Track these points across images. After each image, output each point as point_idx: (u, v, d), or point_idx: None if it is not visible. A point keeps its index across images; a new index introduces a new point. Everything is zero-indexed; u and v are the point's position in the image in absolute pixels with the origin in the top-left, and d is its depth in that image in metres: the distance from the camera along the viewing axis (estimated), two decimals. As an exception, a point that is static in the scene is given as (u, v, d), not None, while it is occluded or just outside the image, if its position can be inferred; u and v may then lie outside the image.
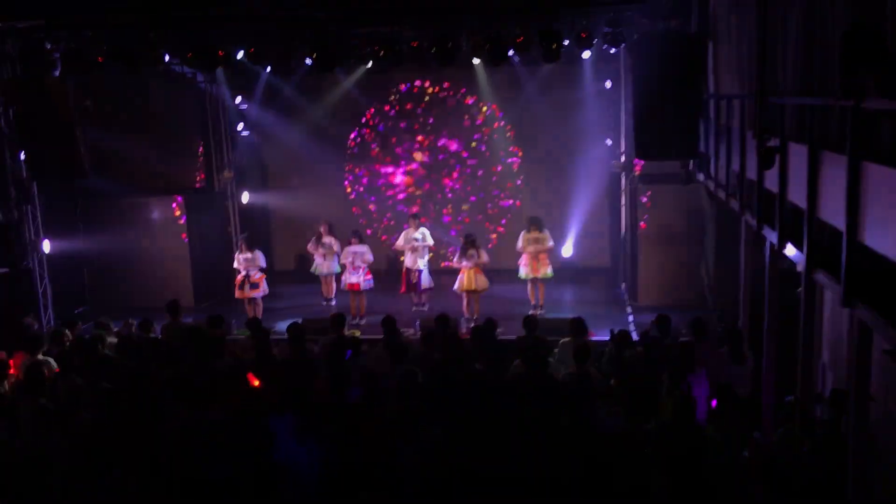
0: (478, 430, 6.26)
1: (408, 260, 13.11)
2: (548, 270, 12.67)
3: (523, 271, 12.68)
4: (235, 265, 12.83)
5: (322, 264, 13.53)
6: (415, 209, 14.92)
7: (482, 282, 12.35)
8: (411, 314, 12.55)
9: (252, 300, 12.65)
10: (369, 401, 6.69)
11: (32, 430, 6.64)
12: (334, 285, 13.61)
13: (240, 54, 12.33)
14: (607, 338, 9.38)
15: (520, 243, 12.67)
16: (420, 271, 13.03)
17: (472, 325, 11.37)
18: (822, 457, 5.96)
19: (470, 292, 12.37)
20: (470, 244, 12.37)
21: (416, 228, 13.12)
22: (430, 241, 13.29)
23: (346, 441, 6.21)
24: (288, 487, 5.82)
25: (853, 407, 5.11)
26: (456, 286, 12.50)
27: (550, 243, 12.71)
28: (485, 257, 12.44)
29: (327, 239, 13.41)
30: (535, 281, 12.69)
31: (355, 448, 6.07)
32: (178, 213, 14.50)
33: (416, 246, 12.96)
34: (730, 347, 8.11)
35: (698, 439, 6.12)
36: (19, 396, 7.37)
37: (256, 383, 7.64)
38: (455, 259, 12.54)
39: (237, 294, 12.78)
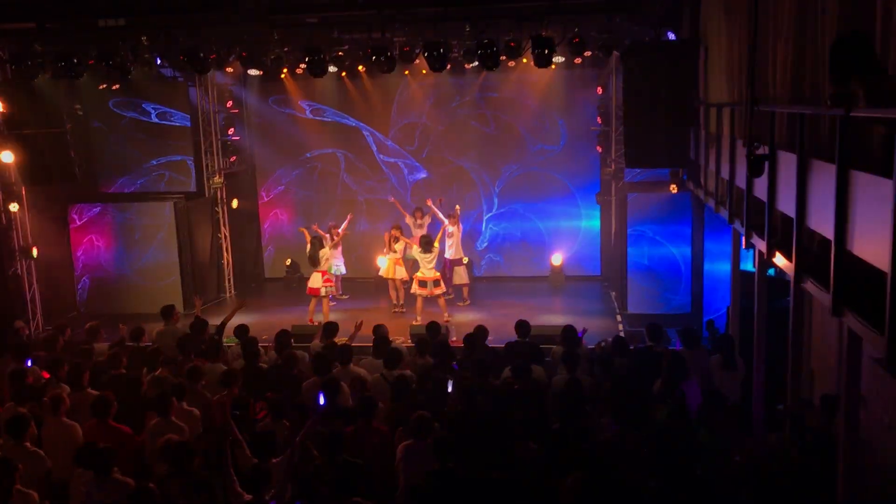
0: (470, 435, 6.25)
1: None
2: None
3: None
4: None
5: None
6: (400, 221, 14.97)
7: (401, 271, 13.28)
8: (399, 321, 12.52)
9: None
10: (362, 407, 6.68)
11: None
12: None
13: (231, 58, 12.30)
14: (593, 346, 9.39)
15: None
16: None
17: (397, 309, 13.18)
18: (812, 462, 5.97)
19: (392, 280, 13.34)
20: (396, 237, 13.16)
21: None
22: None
23: (339, 446, 6.17)
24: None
25: (844, 414, 5.12)
26: (381, 272, 13.54)
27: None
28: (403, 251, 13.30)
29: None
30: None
31: (348, 453, 6.04)
32: (167, 217, 14.39)
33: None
34: (722, 354, 8.13)
35: (692, 445, 6.13)
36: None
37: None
38: (386, 249, 13.34)
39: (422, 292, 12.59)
